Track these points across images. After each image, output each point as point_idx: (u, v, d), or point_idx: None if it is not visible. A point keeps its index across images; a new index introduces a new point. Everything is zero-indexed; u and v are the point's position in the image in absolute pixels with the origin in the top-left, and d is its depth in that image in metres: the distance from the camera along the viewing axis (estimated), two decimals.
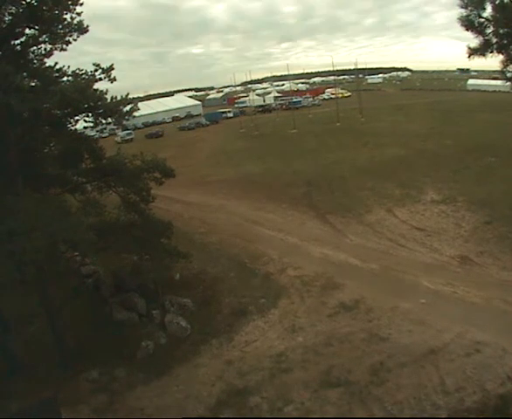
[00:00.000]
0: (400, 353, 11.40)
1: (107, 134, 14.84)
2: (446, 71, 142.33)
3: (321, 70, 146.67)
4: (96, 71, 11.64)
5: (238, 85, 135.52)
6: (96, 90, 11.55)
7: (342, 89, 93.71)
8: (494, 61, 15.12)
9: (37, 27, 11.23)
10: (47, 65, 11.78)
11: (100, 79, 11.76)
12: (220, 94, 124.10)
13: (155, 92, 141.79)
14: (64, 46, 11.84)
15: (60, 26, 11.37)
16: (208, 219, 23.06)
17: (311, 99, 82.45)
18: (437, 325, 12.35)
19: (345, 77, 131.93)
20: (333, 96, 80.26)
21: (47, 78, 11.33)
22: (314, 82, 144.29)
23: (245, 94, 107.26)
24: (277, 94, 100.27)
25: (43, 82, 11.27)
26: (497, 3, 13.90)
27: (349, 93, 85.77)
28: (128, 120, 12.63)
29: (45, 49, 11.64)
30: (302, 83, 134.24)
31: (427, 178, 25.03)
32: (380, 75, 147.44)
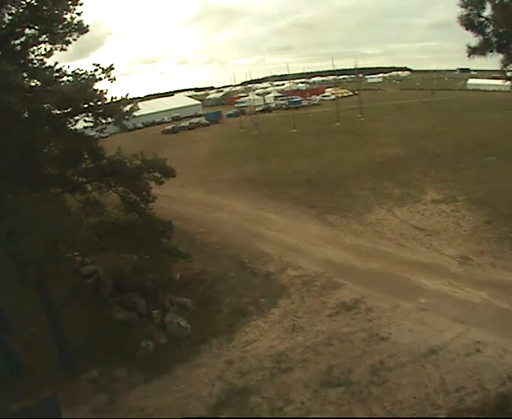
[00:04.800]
0: (400, 352, 11.41)
1: (107, 134, 14.87)
2: (446, 70, 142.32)
3: (320, 70, 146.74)
4: (96, 71, 11.64)
5: (237, 85, 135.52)
6: (96, 90, 11.54)
7: (341, 89, 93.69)
8: (493, 60, 15.11)
9: (37, 27, 11.21)
10: (47, 64, 11.78)
11: (100, 79, 11.75)
12: (220, 94, 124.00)
13: (155, 92, 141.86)
14: (64, 46, 11.84)
15: (60, 26, 11.36)
16: (208, 219, 23.06)
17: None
18: (437, 324, 12.36)
19: (345, 76, 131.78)
20: (332, 96, 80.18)
21: (47, 78, 11.31)
22: (314, 82, 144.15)
23: (244, 94, 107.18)
24: (277, 94, 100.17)
25: (43, 82, 11.26)
26: (497, 2, 13.88)
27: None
28: (127, 119, 12.61)
29: (45, 49, 11.63)
30: (302, 83, 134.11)
31: (427, 178, 25.05)
32: (380, 75, 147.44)
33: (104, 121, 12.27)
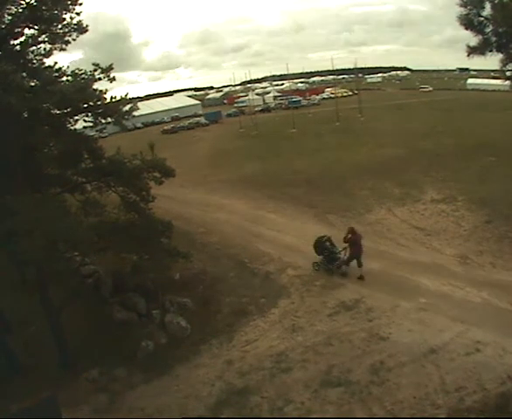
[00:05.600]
0: (400, 352, 11.40)
1: (107, 134, 14.84)
2: (445, 70, 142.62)
3: (320, 69, 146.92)
4: (96, 70, 11.63)
5: (237, 85, 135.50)
6: (96, 90, 11.54)
7: (341, 88, 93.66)
8: (493, 60, 15.14)
9: (36, 27, 11.23)
10: (47, 64, 11.78)
11: (100, 79, 11.75)
12: (220, 94, 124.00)
13: (155, 92, 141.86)
14: (63, 46, 11.86)
15: (60, 26, 11.38)
16: (208, 219, 23.06)
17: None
18: (437, 324, 12.35)
19: (345, 76, 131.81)
20: (332, 95, 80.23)
21: (47, 78, 11.31)
22: (314, 81, 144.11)
23: (244, 94, 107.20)
24: (276, 94, 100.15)
25: (42, 82, 11.26)
26: (496, 2, 13.92)
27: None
28: (127, 119, 12.62)
29: (45, 49, 11.64)
30: (302, 82, 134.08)
31: (427, 177, 25.05)
32: (379, 74, 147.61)
33: (104, 121, 12.26)
